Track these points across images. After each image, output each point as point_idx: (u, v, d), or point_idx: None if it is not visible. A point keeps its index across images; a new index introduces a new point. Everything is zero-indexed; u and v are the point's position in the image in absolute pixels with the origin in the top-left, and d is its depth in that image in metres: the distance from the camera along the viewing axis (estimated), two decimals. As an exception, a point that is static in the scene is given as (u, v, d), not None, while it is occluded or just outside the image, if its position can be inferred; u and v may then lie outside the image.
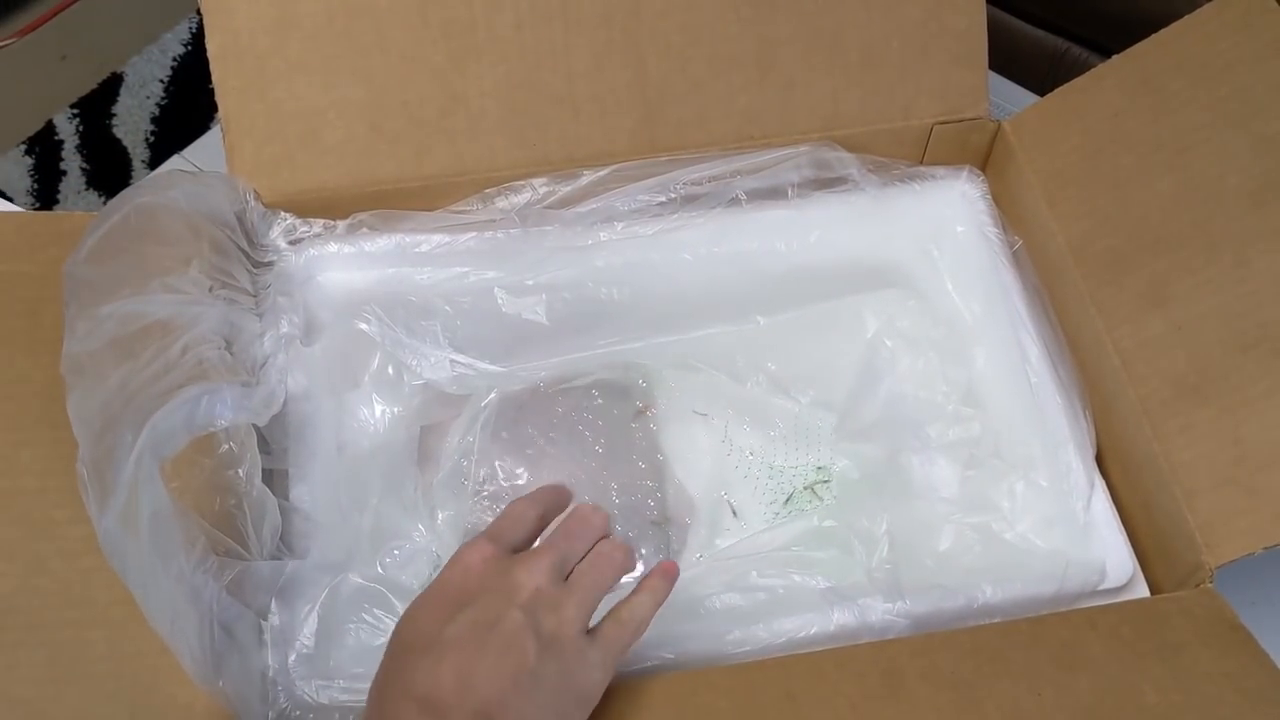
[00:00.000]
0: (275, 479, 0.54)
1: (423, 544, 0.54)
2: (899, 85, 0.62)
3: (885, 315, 0.62)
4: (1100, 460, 0.56)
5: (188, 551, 0.44)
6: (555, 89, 0.60)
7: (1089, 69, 0.61)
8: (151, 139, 1.38)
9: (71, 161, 1.36)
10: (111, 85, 1.42)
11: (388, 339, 0.58)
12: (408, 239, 0.60)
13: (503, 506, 0.57)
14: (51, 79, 1.42)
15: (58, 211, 1.27)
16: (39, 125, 1.38)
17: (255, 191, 0.59)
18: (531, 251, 0.60)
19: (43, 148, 1.37)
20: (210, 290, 0.52)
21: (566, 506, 0.47)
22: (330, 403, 0.57)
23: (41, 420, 0.49)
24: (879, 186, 0.62)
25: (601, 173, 0.61)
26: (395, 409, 0.58)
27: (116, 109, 1.40)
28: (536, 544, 0.45)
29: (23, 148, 1.36)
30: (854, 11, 0.61)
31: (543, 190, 0.61)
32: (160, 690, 0.45)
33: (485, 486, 0.58)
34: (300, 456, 0.54)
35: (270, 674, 0.48)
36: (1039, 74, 0.98)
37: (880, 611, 0.49)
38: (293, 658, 0.48)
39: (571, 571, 0.43)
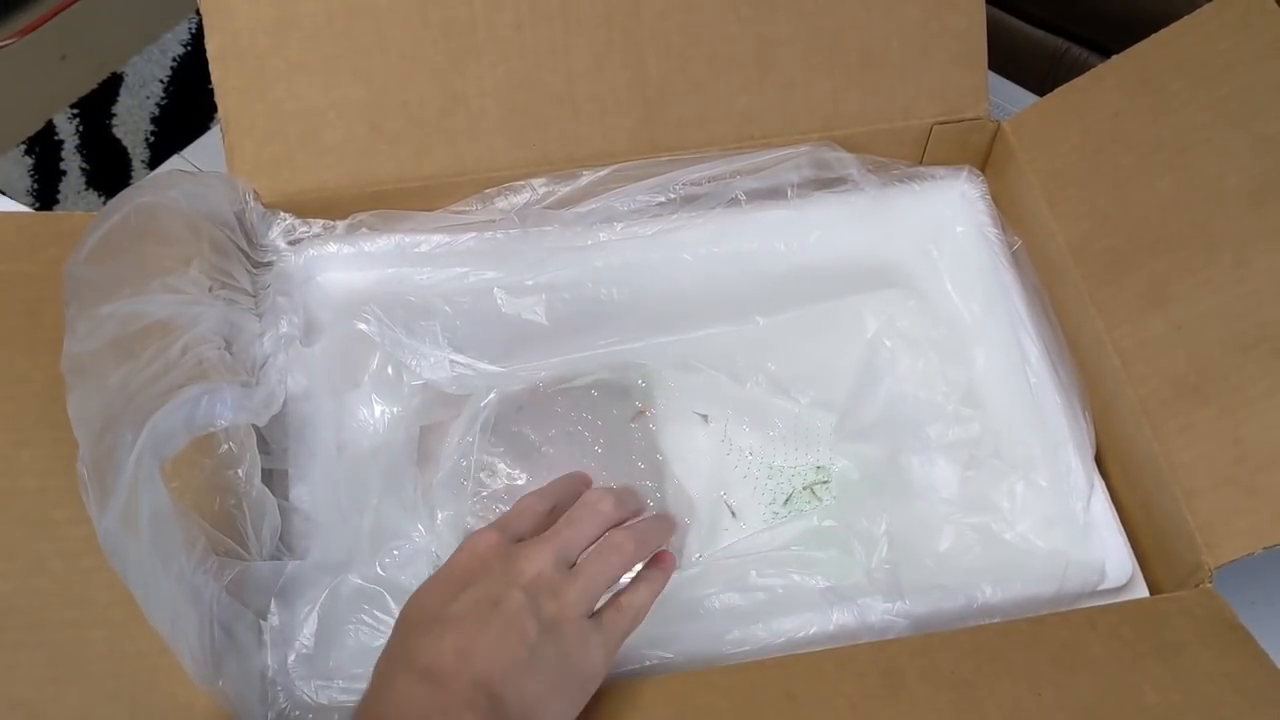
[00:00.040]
0: (275, 479, 0.54)
1: (422, 544, 0.54)
2: (899, 85, 0.62)
3: (885, 315, 0.62)
4: (1100, 460, 0.56)
5: (188, 552, 0.44)
6: (555, 89, 0.60)
7: (1089, 69, 0.61)
8: (151, 139, 1.38)
9: (71, 161, 1.36)
10: (111, 85, 1.42)
11: (387, 339, 0.58)
12: (407, 239, 0.60)
13: (502, 507, 0.57)
14: (51, 79, 1.42)
15: (58, 211, 1.27)
16: (39, 125, 1.38)
17: (255, 191, 0.59)
18: (531, 252, 0.60)
19: (43, 148, 1.37)
20: (210, 290, 0.52)
21: (579, 495, 0.47)
22: (330, 403, 0.57)
23: (41, 420, 0.49)
24: (879, 186, 0.62)
25: (601, 173, 0.61)
26: (395, 409, 0.58)
27: (116, 109, 1.40)
28: None
29: (23, 148, 1.36)
30: (854, 11, 0.61)
31: (542, 190, 0.61)
32: (160, 690, 0.45)
33: (484, 487, 0.58)
34: (300, 456, 0.54)
35: (270, 674, 0.48)
36: (1039, 74, 0.98)
37: (880, 611, 0.49)
38: (292, 658, 0.48)
39: (577, 560, 0.44)
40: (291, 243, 0.59)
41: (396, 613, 0.43)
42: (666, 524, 0.47)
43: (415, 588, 0.43)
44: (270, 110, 0.58)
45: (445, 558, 0.44)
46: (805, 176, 0.62)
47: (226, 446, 0.49)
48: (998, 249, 0.61)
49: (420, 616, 0.41)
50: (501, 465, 0.59)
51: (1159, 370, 0.53)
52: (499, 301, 0.60)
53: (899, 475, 0.59)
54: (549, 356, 0.61)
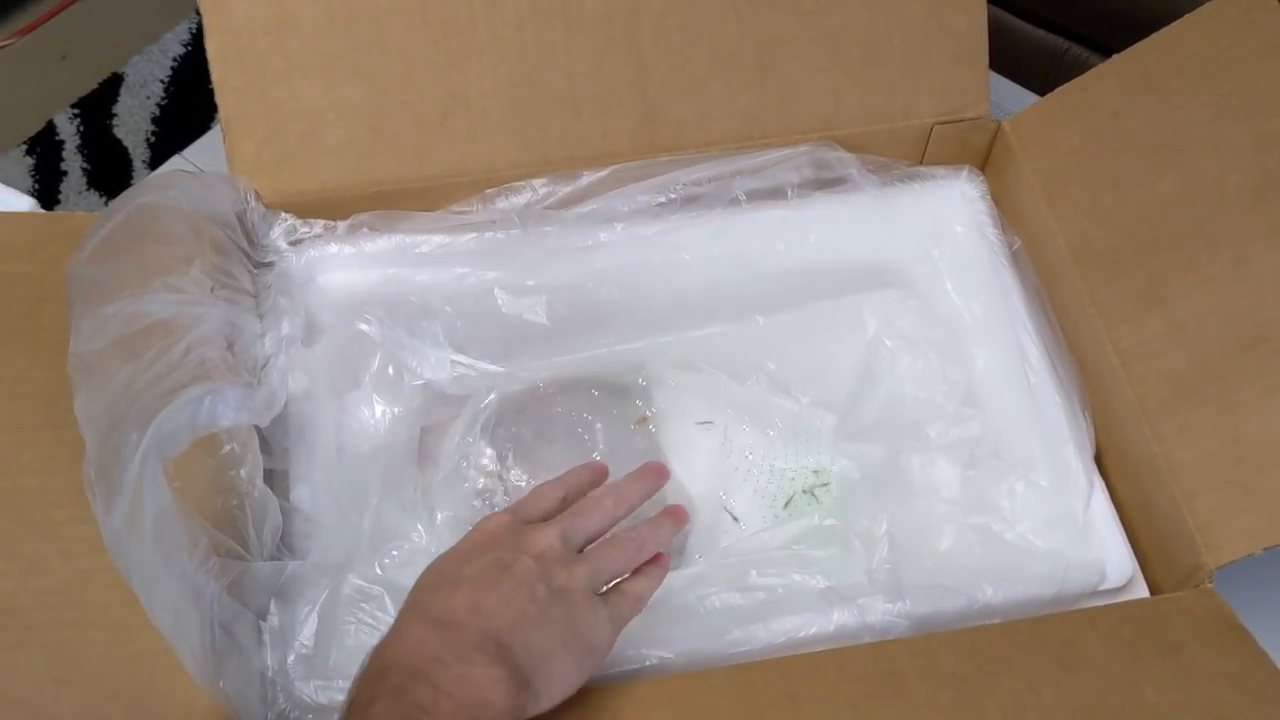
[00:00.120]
0: (275, 479, 0.54)
1: (421, 545, 0.54)
2: (899, 85, 0.62)
3: (885, 315, 0.62)
4: (1099, 460, 0.56)
5: (190, 552, 0.44)
6: (556, 89, 0.60)
7: (1089, 68, 0.61)
8: (152, 139, 1.38)
9: (72, 161, 1.36)
10: (112, 85, 1.42)
11: (388, 340, 0.58)
12: (408, 240, 0.60)
13: (502, 508, 0.57)
14: (52, 79, 1.42)
15: (59, 212, 1.27)
16: (39, 125, 1.38)
17: (256, 192, 0.59)
18: (532, 252, 0.60)
19: (43, 148, 1.37)
20: (211, 290, 0.52)
21: (595, 486, 0.50)
22: (331, 403, 0.57)
23: (42, 420, 0.49)
24: (879, 186, 0.62)
25: (601, 173, 0.61)
26: (395, 409, 0.58)
27: (117, 109, 1.40)
28: None
29: (23, 148, 1.36)
30: (854, 11, 0.61)
31: (543, 191, 0.61)
32: (160, 690, 0.45)
33: (484, 488, 0.58)
34: (300, 457, 0.54)
35: (269, 674, 0.48)
36: (1039, 74, 0.98)
37: (880, 611, 0.49)
38: (292, 658, 0.48)
39: (583, 549, 0.46)
40: (292, 243, 0.60)
41: (396, 613, 0.43)
42: (667, 528, 0.49)
43: (415, 588, 0.43)
44: (271, 110, 0.58)
45: (445, 558, 0.45)
46: (805, 176, 0.62)
47: (229, 447, 0.49)
48: (998, 249, 0.61)
49: (434, 581, 0.43)
50: (501, 466, 0.59)
51: (1158, 370, 0.53)
52: (499, 302, 0.60)
53: (899, 475, 0.59)
54: (549, 357, 0.61)
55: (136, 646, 0.45)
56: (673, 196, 0.61)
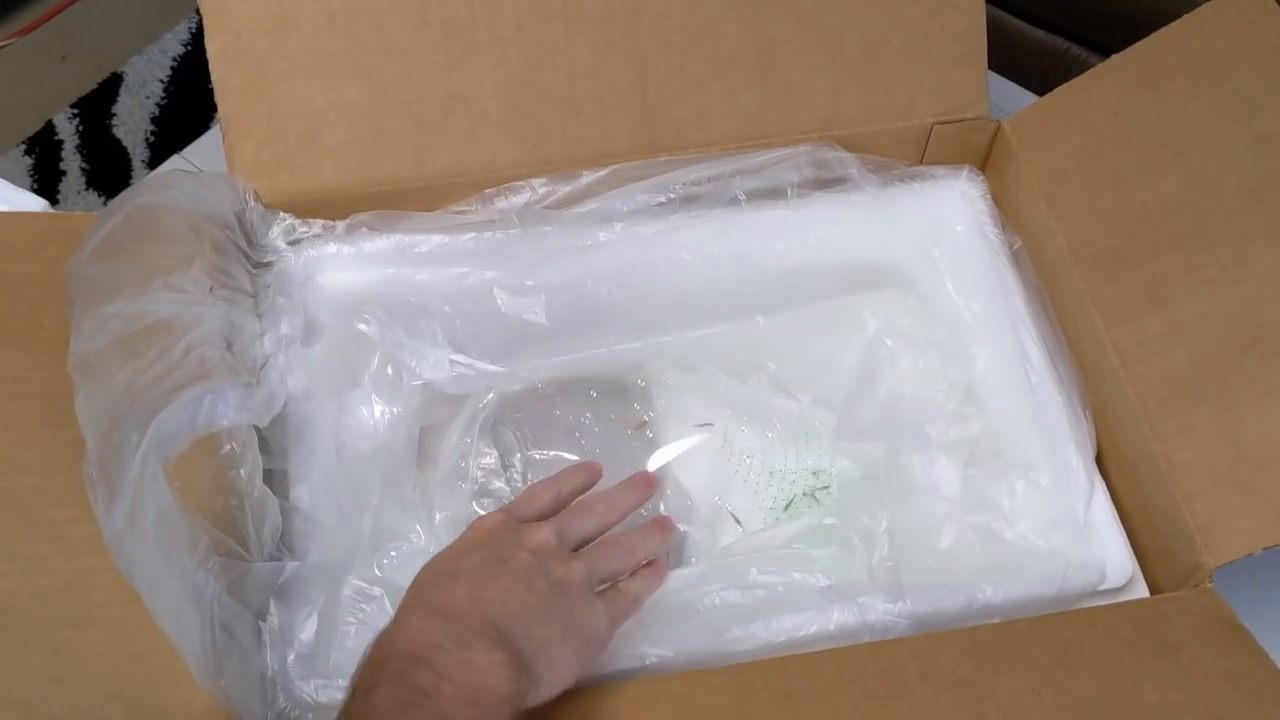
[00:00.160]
0: (275, 479, 0.54)
1: (420, 545, 0.54)
2: (899, 85, 0.62)
3: (885, 315, 0.62)
4: (1100, 460, 0.56)
5: (190, 552, 0.44)
6: (556, 88, 0.60)
7: (1089, 68, 0.61)
8: (151, 139, 1.38)
9: (71, 161, 1.36)
10: (111, 85, 1.42)
11: (387, 339, 0.58)
12: (407, 239, 0.60)
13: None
14: (51, 79, 1.42)
15: (58, 211, 1.27)
16: (39, 125, 1.38)
17: (255, 192, 0.59)
18: (531, 252, 0.60)
19: (43, 148, 1.37)
20: (211, 290, 0.52)
21: (589, 487, 0.51)
22: (330, 403, 0.57)
23: (42, 420, 0.49)
24: (879, 186, 0.62)
25: (601, 173, 0.61)
26: (394, 409, 0.58)
27: (116, 109, 1.40)
28: None
29: (23, 148, 1.36)
30: (854, 11, 0.61)
31: (542, 190, 0.61)
32: (160, 690, 0.45)
33: (483, 488, 0.58)
34: (300, 457, 0.54)
35: (269, 674, 0.48)
36: (1039, 74, 0.98)
37: (880, 611, 0.49)
38: (292, 658, 0.48)
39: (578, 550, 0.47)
40: (291, 243, 0.60)
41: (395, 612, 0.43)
42: (656, 537, 0.50)
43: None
44: (270, 110, 0.58)
45: (444, 559, 0.45)
46: (805, 176, 0.62)
47: (229, 447, 0.49)
48: (998, 249, 0.61)
49: (433, 576, 0.44)
50: (500, 466, 0.59)
51: (1158, 370, 0.53)
52: (499, 301, 0.60)
53: (899, 474, 0.59)
54: (549, 356, 0.61)
55: (136, 646, 0.45)
56: (672, 196, 0.61)
